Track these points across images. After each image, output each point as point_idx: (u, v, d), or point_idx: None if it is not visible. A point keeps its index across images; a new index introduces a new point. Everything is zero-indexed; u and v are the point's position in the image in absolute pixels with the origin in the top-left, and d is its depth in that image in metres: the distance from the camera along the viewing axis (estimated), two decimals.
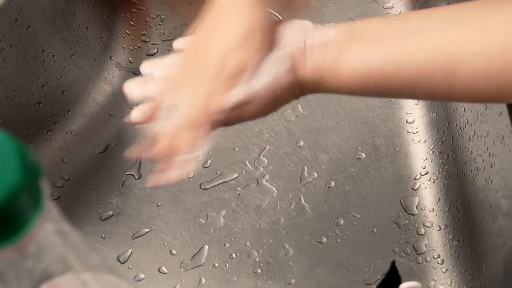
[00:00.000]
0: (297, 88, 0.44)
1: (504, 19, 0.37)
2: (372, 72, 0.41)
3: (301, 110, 0.76)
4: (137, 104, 0.48)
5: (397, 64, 0.40)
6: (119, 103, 0.78)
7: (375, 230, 0.67)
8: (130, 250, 0.67)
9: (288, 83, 0.43)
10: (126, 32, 0.83)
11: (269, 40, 0.43)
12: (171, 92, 0.46)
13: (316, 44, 0.43)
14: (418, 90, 0.41)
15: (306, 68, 0.43)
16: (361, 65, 0.41)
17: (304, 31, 0.44)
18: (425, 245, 0.65)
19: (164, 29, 0.84)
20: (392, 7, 0.83)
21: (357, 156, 0.72)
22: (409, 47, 0.40)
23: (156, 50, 0.82)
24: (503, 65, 0.37)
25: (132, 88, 0.48)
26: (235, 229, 0.68)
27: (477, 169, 0.62)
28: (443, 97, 0.43)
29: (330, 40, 0.42)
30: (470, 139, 0.64)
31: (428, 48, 0.39)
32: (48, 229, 0.26)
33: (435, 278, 0.64)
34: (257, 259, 0.66)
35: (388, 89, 0.42)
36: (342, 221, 0.68)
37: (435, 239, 0.66)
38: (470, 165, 0.64)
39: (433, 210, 0.68)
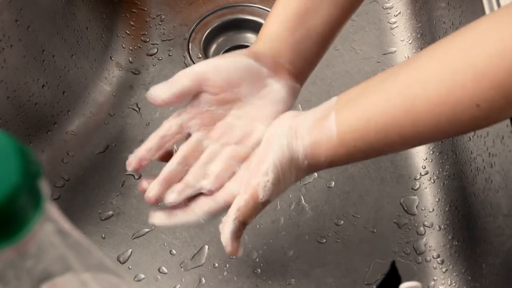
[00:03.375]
0: (293, 168, 0.48)
1: (446, 54, 0.41)
2: (347, 131, 0.45)
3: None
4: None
5: (365, 117, 0.44)
6: (119, 103, 0.78)
7: (375, 230, 0.67)
8: (130, 250, 0.67)
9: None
10: (126, 32, 0.83)
11: None
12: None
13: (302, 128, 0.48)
14: (391, 135, 0.44)
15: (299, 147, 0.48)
16: (338, 130, 0.46)
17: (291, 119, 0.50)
18: (425, 245, 0.65)
19: (164, 29, 0.84)
20: (392, 7, 0.83)
21: None
22: (369, 98, 0.44)
23: (156, 50, 0.82)
24: (450, 89, 0.40)
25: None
26: None
27: (477, 169, 0.62)
28: (414, 137, 0.45)
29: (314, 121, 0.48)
30: (470, 139, 0.64)
31: (386, 93, 0.44)
32: (48, 229, 0.26)
33: (435, 278, 0.64)
34: (257, 259, 0.66)
35: (367, 144, 0.45)
36: (342, 221, 0.68)
37: (435, 239, 0.66)
38: (470, 165, 0.64)
39: (433, 210, 0.68)
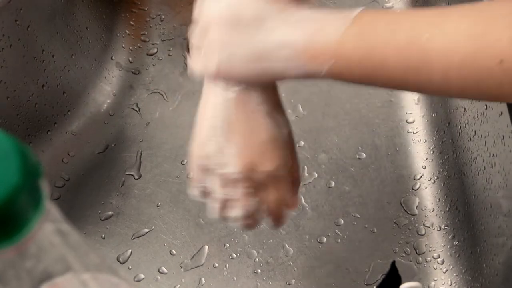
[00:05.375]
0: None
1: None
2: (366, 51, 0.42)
3: (301, 110, 0.76)
4: None
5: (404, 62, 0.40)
6: (119, 103, 0.78)
7: (375, 230, 0.67)
8: (130, 250, 0.67)
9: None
10: (126, 32, 0.83)
11: None
12: None
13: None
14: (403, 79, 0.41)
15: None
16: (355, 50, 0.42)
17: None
18: (425, 245, 0.65)
19: (164, 29, 0.84)
20: (392, 7, 0.83)
21: (357, 156, 0.72)
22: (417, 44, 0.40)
23: (156, 50, 0.82)
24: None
25: None
26: (235, 229, 0.68)
27: (478, 169, 0.62)
28: (427, 87, 0.43)
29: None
30: (470, 139, 0.64)
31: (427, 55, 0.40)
32: (48, 229, 0.26)
33: (435, 278, 0.64)
34: (257, 259, 0.66)
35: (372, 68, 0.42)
36: (342, 221, 0.67)
37: (435, 239, 0.66)
38: (471, 165, 0.64)
39: (433, 210, 0.67)
